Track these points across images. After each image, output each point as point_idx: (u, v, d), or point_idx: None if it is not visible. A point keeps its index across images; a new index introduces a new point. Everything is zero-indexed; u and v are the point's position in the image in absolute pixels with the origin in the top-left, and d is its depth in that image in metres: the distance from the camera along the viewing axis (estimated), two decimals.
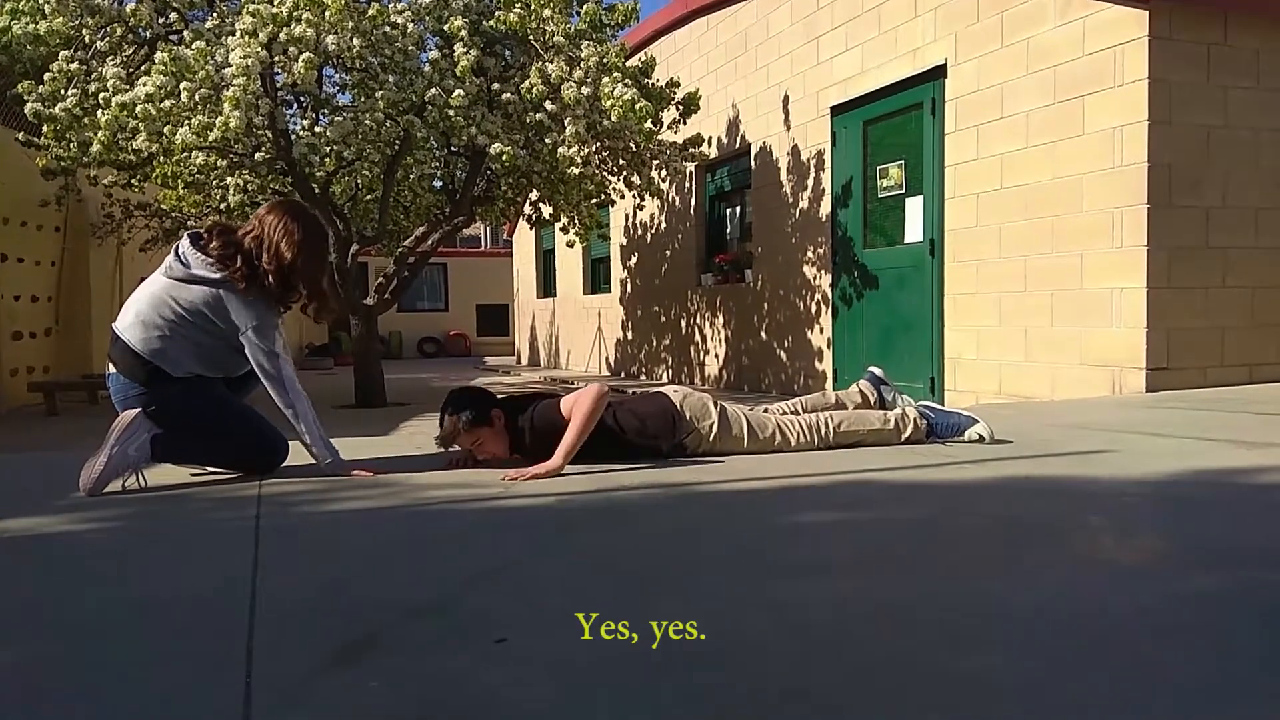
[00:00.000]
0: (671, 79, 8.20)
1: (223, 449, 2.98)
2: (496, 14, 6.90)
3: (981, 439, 3.32)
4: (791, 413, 3.44)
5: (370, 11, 6.50)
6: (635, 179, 8.36)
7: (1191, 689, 1.20)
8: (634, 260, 11.53)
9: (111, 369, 2.93)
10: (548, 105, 6.76)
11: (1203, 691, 1.19)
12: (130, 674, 1.34)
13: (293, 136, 7.12)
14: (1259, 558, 1.81)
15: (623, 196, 9.12)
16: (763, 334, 8.62)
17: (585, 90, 6.53)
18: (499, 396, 3.21)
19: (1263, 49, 5.14)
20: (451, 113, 6.63)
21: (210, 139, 6.23)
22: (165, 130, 6.29)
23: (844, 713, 1.15)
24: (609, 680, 1.27)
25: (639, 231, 11.29)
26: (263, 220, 2.90)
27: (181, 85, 6.07)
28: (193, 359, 2.86)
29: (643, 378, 11.14)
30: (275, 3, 6.15)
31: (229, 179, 8.24)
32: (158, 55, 6.25)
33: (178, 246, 2.91)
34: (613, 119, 6.54)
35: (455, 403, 3.09)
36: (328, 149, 7.30)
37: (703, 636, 1.42)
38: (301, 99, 7.68)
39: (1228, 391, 4.84)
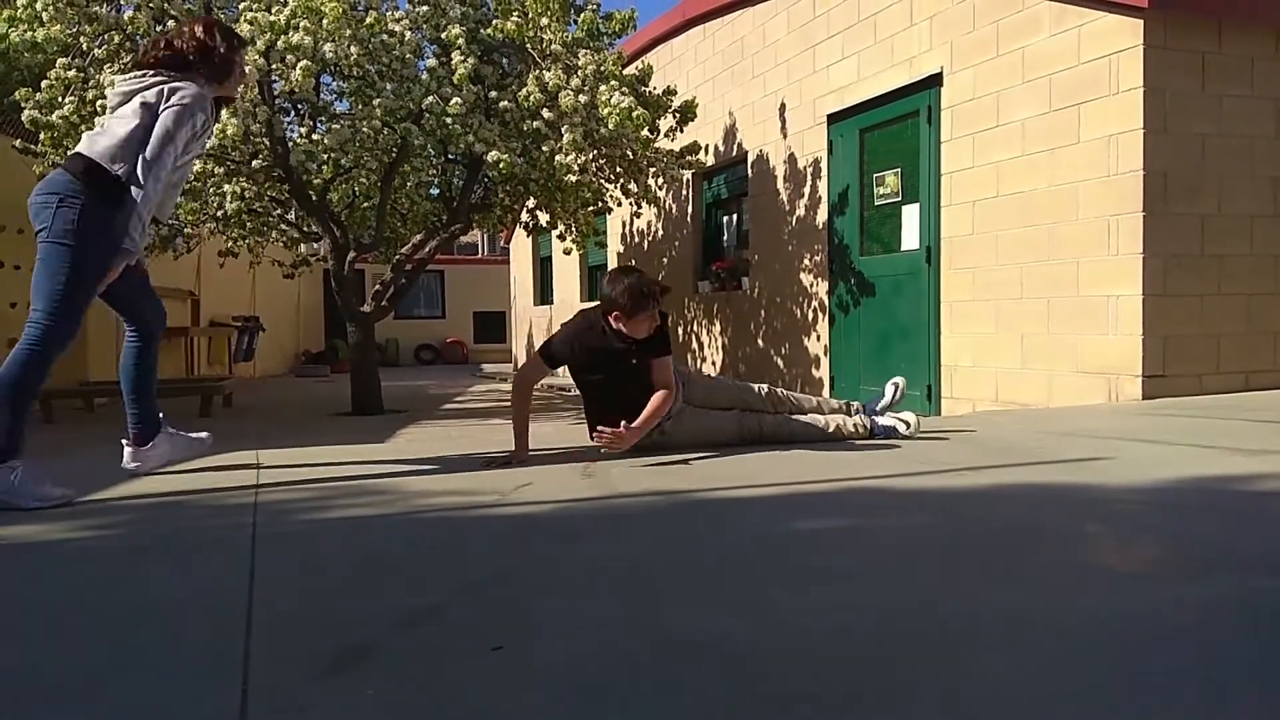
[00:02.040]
0: (668, 87, 8.22)
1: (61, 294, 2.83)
2: (494, 22, 6.91)
3: (908, 425, 3.74)
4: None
5: (368, 20, 6.51)
6: (632, 187, 8.37)
7: (1188, 695, 1.20)
8: None
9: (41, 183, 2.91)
10: (545, 113, 6.77)
11: (1199, 697, 1.19)
12: (125, 681, 1.33)
13: (290, 144, 7.12)
14: (1256, 564, 1.81)
15: (620, 204, 9.13)
16: (759, 341, 8.63)
17: (582, 98, 6.54)
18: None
19: (1257, 57, 5.16)
20: (449, 120, 6.64)
21: (207, 146, 6.22)
22: None
23: (851, 716, 1.15)
24: (609, 687, 1.26)
25: (636, 239, 11.31)
26: (181, 33, 3.07)
27: None
28: (131, 160, 2.82)
29: None
30: (273, 11, 6.16)
31: (226, 186, 8.23)
32: None
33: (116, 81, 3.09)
34: (610, 127, 6.55)
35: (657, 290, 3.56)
36: (325, 156, 7.30)
37: (705, 642, 1.41)
38: (299, 106, 7.69)
39: (1224, 399, 4.84)
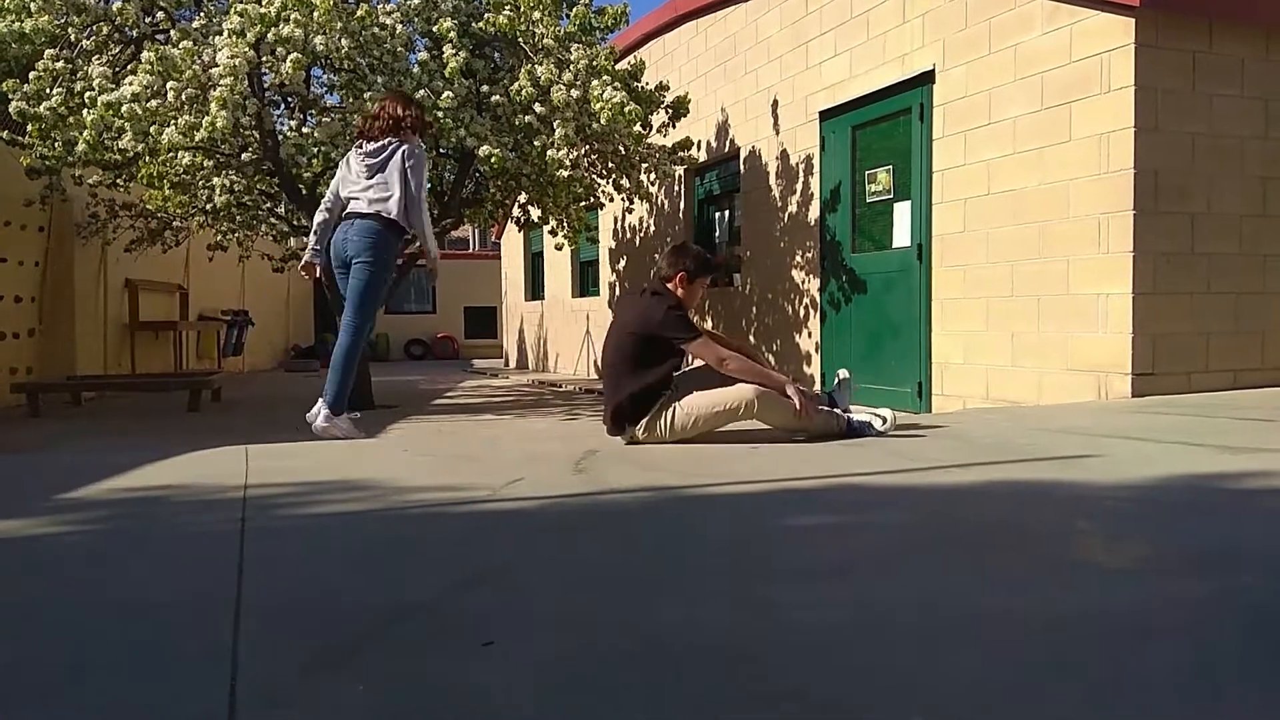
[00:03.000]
0: (661, 82, 8.20)
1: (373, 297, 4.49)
2: (486, 16, 6.88)
3: (884, 420, 3.81)
4: None
5: (359, 12, 6.47)
6: (624, 182, 8.34)
7: (1175, 692, 1.20)
8: (623, 263, 11.53)
9: (353, 224, 4.44)
10: (537, 108, 6.75)
11: (1186, 695, 1.19)
12: (114, 676, 1.32)
13: (280, 137, 7.08)
14: (1243, 561, 1.81)
15: (611, 199, 9.11)
16: (751, 338, 8.63)
17: (574, 93, 6.52)
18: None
19: (1247, 57, 5.18)
20: (440, 114, 6.61)
21: (197, 139, 6.18)
22: (151, 130, 6.24)
23: (838, 713, 1.15)
24: (599, 683, 1.26)
25: (628, 235, 11.30)
26: (379, 111, 4.66)
27: (168, 85, 6.03)
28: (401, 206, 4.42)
29: None
30: (263, 3, 6.12)
31: (215, 179, 8.17)
32: (144, 54, 6.20)
33: (352, 155, 4.71)
34: (602, 122, 6.52)
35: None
36: (315, 149, 7.24)
37: (694, 639, 1.41)
38: (289, 99, 7.64)
39: (1212, 397, 4.87)
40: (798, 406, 3.67)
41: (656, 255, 10.51)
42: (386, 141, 4.48)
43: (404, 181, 4.43)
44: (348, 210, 4.52)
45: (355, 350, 4.47)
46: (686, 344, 3.77)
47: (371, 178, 4.47)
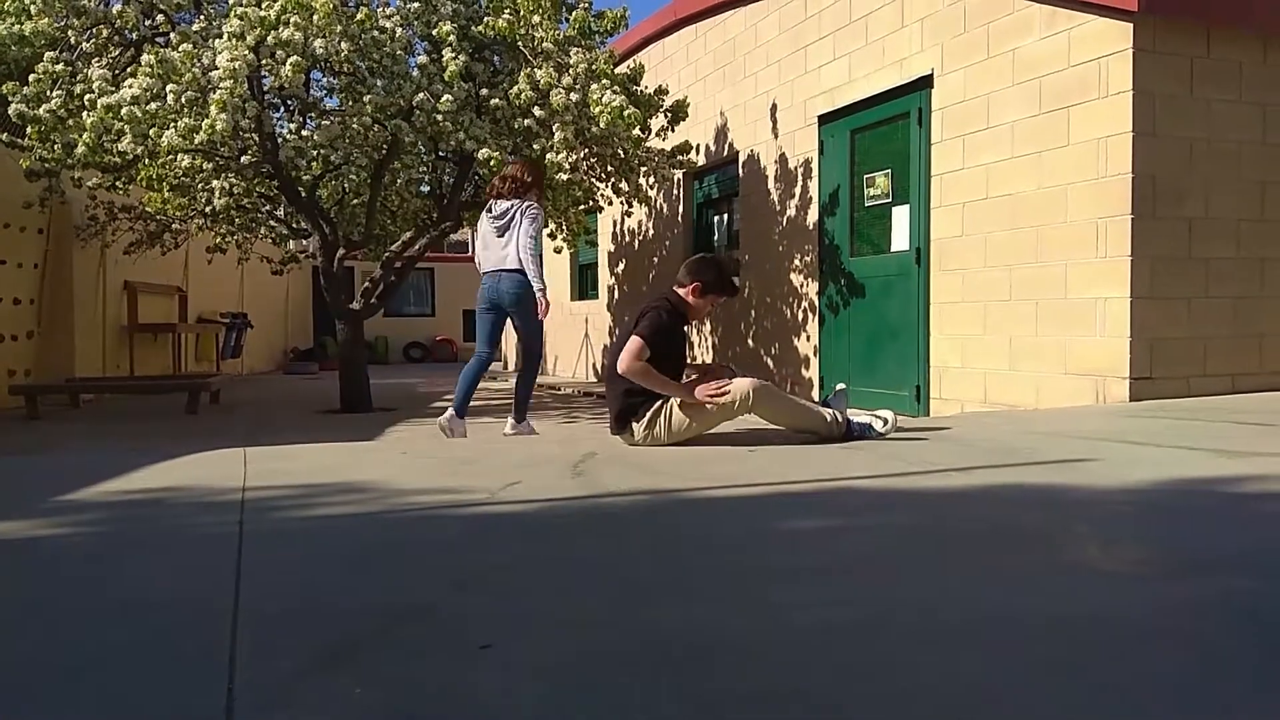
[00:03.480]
0: (660, 86, 8.21)
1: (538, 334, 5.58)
2: (485, 19, 6.90)
3: (885, 422, 3.82)
4: None
5: (359, 16, 6.48)
6: (623, 186, 8.35)
7: (1170, 694, 1.20)
8: (621, 267, 11.53)
9: (500, 278, 5.36)
10: (536, 111, 6.76)
11: (1185, 697, 1.20)
12: (112, 677, 1.32)
13: (279, 140, 7.09)
14: (1239, 565, 1.82)
15: (610, 203, 9.12)
16: (749, 341, 8.63)
17: (574, 96, 6.53)
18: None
19: (1245, 62, 5.19)
20: (439, 117, 6.62)
21: (196, 142, 6.19)
22: (151, 133, 6.25)
23: (839, 713, 1.15)
24: (598, 685, 1.26)
25: (626, 238, 11.30)
26: (510, 174, 5.54)
27: (168, 88, 6.03)
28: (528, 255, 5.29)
29: None
30: (263, 6, 6.13)
31: (214, 182, 8.18)
32: (144, 57, 6.21)
33: (483, 217, 5.58)
34: (601, 125, 6.53)
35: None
36: (315, 153, 7.26)
37: (694, 640, 1.41)
38: (289, 102, 7.65)
39: (1210, 401, 4.87)
40: (714, 403, 3.66)
41: (656, 259, 10.53)
42: (512, 203, 5.36)
43: (525, 236, 5.33)
44: (490, 265, 5.44)
45: (535, 374, 5.70)
46: (630, 337, 3.73)
47: (502, 236, 5.37)
